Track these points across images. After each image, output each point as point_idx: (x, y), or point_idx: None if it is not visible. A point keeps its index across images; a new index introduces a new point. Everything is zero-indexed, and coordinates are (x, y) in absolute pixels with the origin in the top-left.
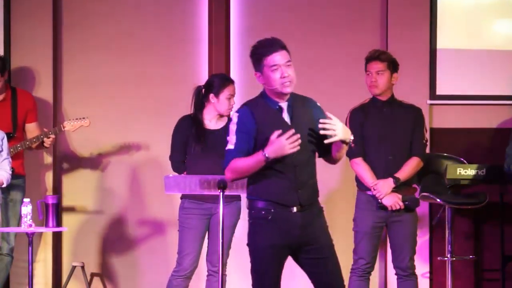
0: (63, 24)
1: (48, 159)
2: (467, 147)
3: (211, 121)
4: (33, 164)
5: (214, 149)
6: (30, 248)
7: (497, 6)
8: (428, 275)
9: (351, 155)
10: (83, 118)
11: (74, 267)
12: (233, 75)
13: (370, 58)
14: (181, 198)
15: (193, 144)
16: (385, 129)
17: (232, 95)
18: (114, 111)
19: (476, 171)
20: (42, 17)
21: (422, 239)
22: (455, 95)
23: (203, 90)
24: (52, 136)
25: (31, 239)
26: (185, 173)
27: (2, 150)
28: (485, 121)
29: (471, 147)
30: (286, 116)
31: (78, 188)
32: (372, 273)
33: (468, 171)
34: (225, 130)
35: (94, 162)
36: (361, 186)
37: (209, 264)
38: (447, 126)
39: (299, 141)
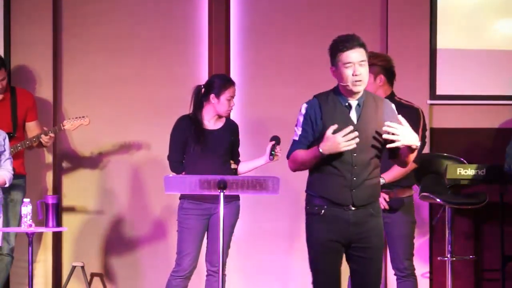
0: (63, 24)
1: (48, 158)
2: (467, 147)
3: (209, 121)
4: (33, 164)
5: (212, 149)
6: (30, 248)
7: (497, 6)
8: (428, 275)
9: None
10: (83, 117)
11: (74, 267)
12: (233, 75)
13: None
14: (180, 198)
15: (192, 144)
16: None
17: (233, 97)
18: (114, 111)
19: (476, 171)
20: (42, 17)
21: (422, 239)
22: (455, 95)
23: (203, 89)
24: (51, 134)
25: (31, 239)
26: (183, 173)
27: (4, 150)
28: (485, 121)
29: (471, 147)
30: (353, 114)
31: (78, 188)
32: None
33: (468, 171)
34: (223, 130)
35: (94, 162)
36: None
37: (208, 264)
38: (447, 126)
39: (357, 139)
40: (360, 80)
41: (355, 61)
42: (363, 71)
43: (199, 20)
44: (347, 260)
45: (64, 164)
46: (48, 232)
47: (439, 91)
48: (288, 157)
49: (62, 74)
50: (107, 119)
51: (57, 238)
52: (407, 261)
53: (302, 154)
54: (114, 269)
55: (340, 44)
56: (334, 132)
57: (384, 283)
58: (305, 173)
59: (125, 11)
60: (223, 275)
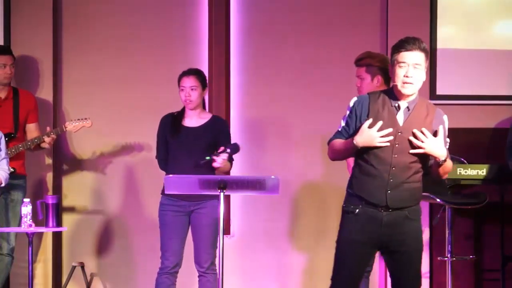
0: (63, 24)
1: (49, 159)
2: (467, 147)
3: (191, 118)
4: (34, 164)
5: (187, 147)
6: (30, 248)
7: (497, 6)
8: (428, 275)
9: None
10: (85, 118)
11: (74, 267)
12: (233, 75)
13: (355, 62)
14: (161, 194)
15: (170, 142)
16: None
17: (189, 87)
18: (114, 111)
19: (476, 171)
20: (42, 17)
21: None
22: (455, 95)
23: None
24: (53, 135)
25: (31, 239)
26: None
27: (0, 150)
28: (485, 121)
29: (471, 147)
30: (400, 116)
31: (78, 188)
32: (372, 273)
33: (468, 171)
34: (203, 128)
35: (94, 162)
36: None
37: (197, 265)
38: (447, 126)
39: (391, 137)
40: (410, 83)
41: (410, 63)
42: (415, 74)
43: (199, 20)
44: (386, 262)
45: (64, 165)
46: (48, 232)
47: (439, 91)
48: (328, 144)
49: (62, 74)
50: (107, 120)
51: (57, 238)
52: None
53: (339, 143)
54: (114, 269)
55: (401, 43)
56: (370, 127)
57: (384, 283)
58: (305, 174)
59: (125, 11)
60: (222, 275)
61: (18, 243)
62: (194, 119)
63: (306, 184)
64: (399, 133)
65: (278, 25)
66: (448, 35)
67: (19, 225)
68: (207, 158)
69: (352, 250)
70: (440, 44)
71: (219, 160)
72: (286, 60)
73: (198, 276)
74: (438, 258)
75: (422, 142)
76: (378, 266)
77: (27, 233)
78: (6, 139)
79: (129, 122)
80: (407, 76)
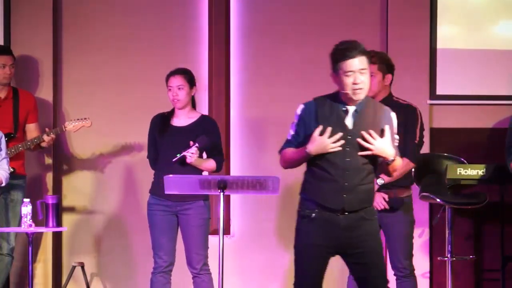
0: (63, 24)
1: (48, 159)
2: (467, 147)
3: (180, 118)
4: (34, 164)
5: (179, 146)
6: (30, 248)
7: (497, 6)
8: (428, 275)
9: None
10: (85, 118)
11: (74, 267)
12: (233, 75)
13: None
14: (149, 193)
15: (159, 140)
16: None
17: (176, 87)
18: (114, 111)
19: (476, 171)
20: (42, 17)
21: (422, 239)
22: (455, 95)
23: None
24: (52, 135)
25: (31, 239)
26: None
27: (1, 150)
28: (485, 121)
29: (471, 147)
30: (349, 120)
31: (78, 188)
32: None
33: (468, 171)
34: (191, 128)
35: (94, 162)
36: None
37: (190, 267)
38: (447, 126)
39: (342, 141)
40: (361, 88)
41: (356, 70)
42: (364, 79)
43: (199, 20)
44: (348, 266)
45: (64, 164)
46: (48, 232)
47: (439, 91)
48: (279, 154)
49: (62, 74)
50: (107, 120)
51: (57, 238)
52: (406, 261)
53: (290, 152)
54: (114, 269)
55: (341, 52)
56: (322, 134)
57: None
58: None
59: (125, 11)
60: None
61: (18, 243)
62: (182, 119)
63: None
64: (349, 137)
65: (278, 25)
66: (448, 35)
67: (19, 225)
68: (178, 155)
69: (313, 254)
70: (440, 44)
71: (189, 154)
72: (286, 60)
73: (193, 278)
74: (438, 258)
75: (371, 144)
76: None
77: (27, 233)
78: (6, 139)
79: (129, 122)
80: (356, 83)
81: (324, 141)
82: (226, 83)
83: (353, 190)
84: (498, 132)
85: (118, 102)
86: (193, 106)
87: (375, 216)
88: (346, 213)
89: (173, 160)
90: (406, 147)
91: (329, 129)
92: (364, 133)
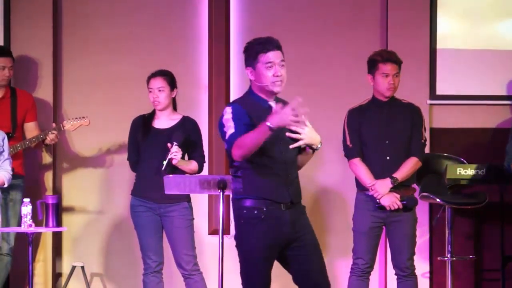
0: (63, 24)
1: (48, 159)
2: (467, 147)
3: (162, 120)
4: (33, 164)
5: (161, 148)
6: (30, 248)
7: (497, 6)
8: (428, 275)
9: (349, 155)
10: (83, 117)
11: (74, 267)
12: (233, 75)
13: (386, 60)
14: (131, 194)
15: (141, 142)
16: (383, 129)
17: (157, 88)
18: (114, 111)
19: (476, 171)
20: (42, 17)
21: (422, 239)
22: (455, 95)
23: None
24: (55, 132)
25: (31, 239)
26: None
27: (3, 151)
28: (485, 121)
29: (471, 147)
30: None
31: (78, 188)
32: (372, 273)
33: (468, 171)
34: (172, 129)
35: (94, 162)
36: (360, 186)
37: (180, 269)
38: (447, 126)
39: (303, 117)
40: (281, 81)
41: (276, 62)
42: (283, 72)
43: (199, 20)
44: (285, 263)
45: (64, 164)
46: (48, 232)
47: (439, 91)
48: (230, 146)
49: (62, 74)
50: (107, 119)
51: (57, 238)
52: (409, 261)
53: (249, 135)
54: (114, 269)
55: (260, 45)
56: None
57: (384, 283)
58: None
59: (125, 11)
60: (220, 274)
61: (18, 243)
62: (164, 120)
63: (306, 183)
64: (278, 130)
65: (278, 25)
66: (448, 35)
67: (19, 225)
68: (164, 162)
69: (264, 255)
70: (440, 44)
71: (173, 155)
72: (286, 60)
73: (184, 279)
74: (438, 258)
75: (299, 134)
76: (378, 266)
77: (27, 233)
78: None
79: (128, 122)
80: (277, 76)
81: (285, 112)
82: (226, 83)
83: (293, 182)
84: (498, 132)
85: (118, 102)
86: (174, 108)
87: (305, 210)
88: (291, 207)
89: (162, 169)
90: (414, 146)
91: (297, 100)
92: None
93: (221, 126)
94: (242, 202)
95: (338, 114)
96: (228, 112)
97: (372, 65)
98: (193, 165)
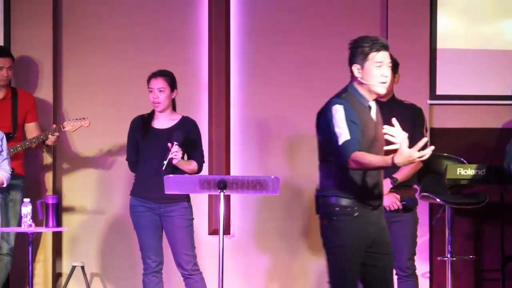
0: (63, 24)
1: (48, 159)
2: (467, 147)
3: (161, 120)
4: (33, 164)
5: (161, 148)
6: (30, 248)
7: (497, 6)
8: (428, 275)
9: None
10: (83, 118)
11: (74, 267)
12: (233, 75)
13: None
14: (130, 195)
15: (140, 143)
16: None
17: (153, 88)
18: (114, 111)
19: (476, 171)
20: (42, 17)
21: (422, 239)
22: (455, 95)
23: None
24: (57, 134)
25: (31, 239)
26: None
27: (2, 150)
28: (485, 121)
29: (471, 147)
30: (373, 116)
31: (78, 188)
32: None
33: (468, 171)
34: (172, 130)
35: (94, 162)
36: None
37: (180, 269)
38: (447, 126)
39: (432, 147)
40: (386, 82)
41: (385, 62)
42: (389, 74)
43: (199, 20)
44: (365, 260)
45: (64, 164)
46: (48, 232)
47: (439, 91)
48: (345, 153)
49: (62, 74)
50: (107, 119)
51: (57, 238)
52: (410, 261)
53: (369, 158)
54: (114, 269)
55: (373, 43)
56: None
57: None
58: (306, 174)
59: (125, 11)
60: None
61: (18, 243)
62: (163, 121)
63: (306, 184)
64: (376, 132)
65: (278, 25)
66: (448, 35)
67: (19, 225)
68: (165, 162)
69: (357, 252)
70: (440, 44)
71: (173, 155)
72: (286, 60)
73: (184, 279)
74: (438, 258)
75: (395, 137)
76: None
77: (27, 233)
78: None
79: (129, 122)
80: (384, 76)
81: (412, 155)
82: (226, 83)
83: (380, 185)
84: (498, 132)
85: (118, 102)
86: (174, 108)
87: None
88: (376, 208)
89: (163, 169)
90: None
91: (423, 140)
92: (387, 127)
93: (329, 122)
94: (332, 200)
95: None
96: (339, 111)
97: None
98: (193, 165)
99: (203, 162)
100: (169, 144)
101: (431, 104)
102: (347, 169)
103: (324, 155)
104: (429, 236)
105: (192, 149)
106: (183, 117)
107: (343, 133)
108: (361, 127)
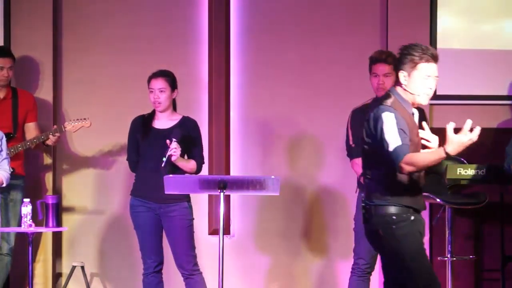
0: (63, 24)
1: (48, 159)
2: (467, 147)
3: (162, 120)
4: (33, 164)
5: (161, 148)
6: (30, 248)
7: (497, 6)
8: None
9: (351, 155)
10: (84, 119)
11: (74, 267)
12: (233, 75)
13: (376, 60)
14: (130, 195)
15: (141, 143)
16: None
17: (153, 89)
18: (114, 111)
19: (476, 171)
20: (42, 17)
21: None
22: (455, 95)
23: None
24: (57, 134)
25: (31, 239)
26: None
27: (1, 150)
28: (485, 121)
29: (471, 147)
30: (416, 122)
31: (78, 188)
32: (373, 273)
33: (468, 171)
34: (174, 129)
35: (94, 162)
36: (361, 186)
37: (180, 269)
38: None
39: (479, 128)
40: (430, 94)
41: (433, 75)
42: (434, 86)
43: (199, 20)
44: None
45: (64, 164)
46: (48, 232)
47: (439, 91)
48: (397, 159)
49: (62, 74)
50: (107, 119)
51: (57, 238)
52: None
53: (422, 156)
54: (114, 269)
55: (423, 53)
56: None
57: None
58: (306, 174)
59: (125, 11)
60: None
61: (18, 243)
62: (164, 121)
63: (306, 184)
64: (420, 138)
65: (278, 25)
66: (448, 35)
67: (19, 225)
68: (164, 159)
69: (425, 254)
70: (440, 44)
71: (172, 151)
72: (286, 60)
73: (184, 279)
74: (438, 258)
75: (430, 141)
76: (378, 266)
77: (27, 233)
78: (5, 139)
79: (129, 122)
80: (430, 89)
81: (461, 140)
82: (226, 83)
83: (422, 190)
84: (498, 132)
85: (118, 102)
86: (174, 108)
87: None
88: (420, 213)
89: (162, 166)
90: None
91: (469, 122)
92: (421, 131)
93: (380, 129)
94: (386, 209)
95: (338, 114)
96: (389, 119)
97: (369, 66)
98: (192, 164)
99: (203, 162)
100: (168, 141)
101: (431, 104)
102: (397, 175)
103: (374, 163)
104: (429, 236)
105: (192, 148)
106: (183, 117)
107: (393, 139)
108: (408, 133)
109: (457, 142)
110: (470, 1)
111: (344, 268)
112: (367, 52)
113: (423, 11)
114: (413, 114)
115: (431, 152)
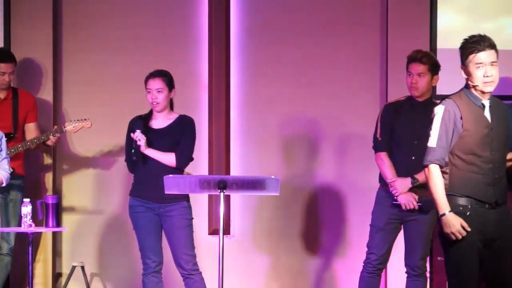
0: (63, 24)
1: (48, 159)
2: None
3: (159, 120)
4: (33, 164)
5: (158, 148)
6: (30, 248)
7: (497, 6)
8: (428, 275)
9: (377, 148)
10: (85, 119)
11: (74, 267)
12: (233, 75)
13: (411, 59)
14: (129, 195)
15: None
16: (414, 129)
17: (155, 90)
18: (114, 111)
19: None
20: (42, 17)
21: None
22: None
23: None
24: (58, 134)
25: (31, 239)
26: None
27: (1, 150)
28: None
29: None
30: (487, 114)
31: (78, 188)
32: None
33: None
34: (169, 129)
35: (94, 162)
36: (382, 181)
37: (179, 269)
38: None
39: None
40: (491, 81)
41: (486, 62)
42: (494, 72)
43: (199, 20)
44: (481, 259)
45: (64, 164)
46: (48, 232)
47: (439, 91)
48: (426, 162)
49: (62, 74)
50: (107, 120)
51: (57, 238)
52: (422, 261)
53: (437, 187)
54: (114, 269)
55: (472, 45)
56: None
57: (385, 282)
58: (306, 174)
59: (125, 11)
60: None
61: (18, 243)
62: (161, 121)
63: (306, 184)
64: (491, 130)
65: (278, 25)
66: (448, 34)
67: (19, 225)
68: (132, 150)
69: (469, 249)
70: (440, 44)
71: (138, 142)
72: (286, 60)
73: (184, 279)
74: (438, 258)
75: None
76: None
77: (27, 233)
78: (6, 139)
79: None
80: (487, 76)
81: (455, 226)
82: (226, 83)
83: (499, 183)
84: None
85: (118, 102)
86: (171, 108)
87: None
88: (495, 207)
89: (133, 158)
90: None
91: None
92: None
93: (431, 120)
94: (448, 198)
95: (339, 114)
96: (439, 113)
97: (406, 65)
98: (169, 156)
99: (188, 157)
100: (132, 134)
101: None
102: (459, 167)
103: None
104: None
105: (179, 142)
106: (180, 115)
107: (432, 137)
108: (466, 124)
109: (453, 225)
110: (470, 1)
111: (344, 268)
112: (367, 52)
113: (423, 11)
114: (483, 106)
115: (441, 196)
